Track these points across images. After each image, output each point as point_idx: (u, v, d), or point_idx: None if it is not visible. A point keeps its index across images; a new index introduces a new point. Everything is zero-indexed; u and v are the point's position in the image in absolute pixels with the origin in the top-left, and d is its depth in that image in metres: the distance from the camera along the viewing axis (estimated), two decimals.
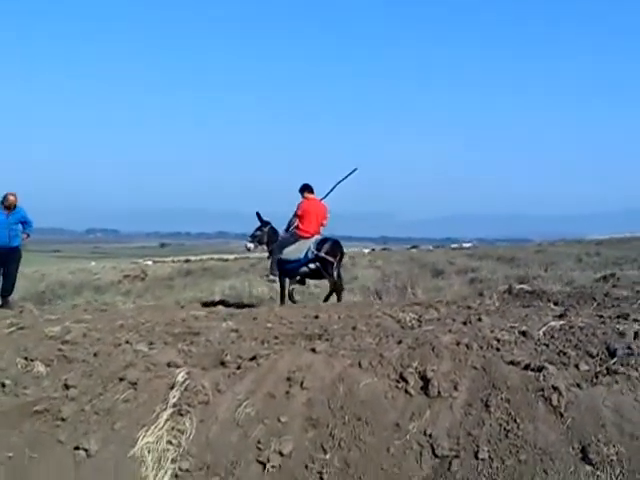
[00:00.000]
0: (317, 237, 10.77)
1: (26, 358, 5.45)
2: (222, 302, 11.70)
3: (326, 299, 10.75)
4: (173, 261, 37.43)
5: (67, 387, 4.93)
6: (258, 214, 11.16)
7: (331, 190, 11.09)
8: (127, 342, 5.82)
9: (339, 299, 10.75)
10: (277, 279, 10.72)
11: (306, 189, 10.93)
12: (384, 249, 61.81)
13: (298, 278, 11.12)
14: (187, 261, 35.23)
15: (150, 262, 36.69)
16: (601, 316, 5.78)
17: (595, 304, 7.07)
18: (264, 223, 11.19)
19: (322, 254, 10.52)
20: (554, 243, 36.27)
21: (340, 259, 11.00)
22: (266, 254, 11.64)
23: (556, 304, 7.44)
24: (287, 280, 10.84)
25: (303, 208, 10.79)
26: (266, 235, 11.13)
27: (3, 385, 5.05)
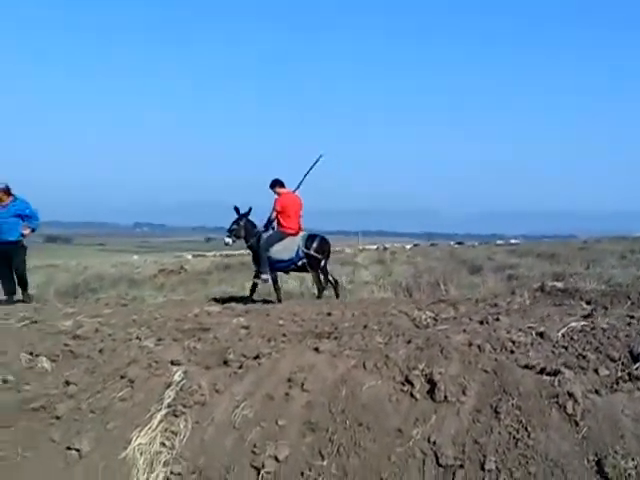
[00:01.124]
0: (303, 234, 10.61)
1: (31, 353, 5.38)
2: (241, 299, 11.50)
3: (319, 296, 10.46)
4: (215, 255, 37.50)
5: (67, 384, 4.82)
6: (236, 208, 10.87)
7: (301, 181, 10.85)
8: (137, 338, 5.70)
9: (337, 294, 10.65)
10: (269, 278, 10.51)
11: (277, 184, 10.69)
12: (432, 244, 61.43)
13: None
14: (227, 256, 35.27)
15: (189, 256, 36.78)
16: (631, 317, 5.43)
17: (629, 303, 6.70)
18: (240, 216, 10.91)
19: (311, 252, 10.39)
20: (600, 240, 35.35)
21: (327, 256, 10.85)
22: (246, 249, 11.40)
23: (588, 303, 7.09)
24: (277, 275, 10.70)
25: (282, 203, 10.55)
26: (243, 229, 10.86)
27: (5, 381, 4.95)
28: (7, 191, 10.40)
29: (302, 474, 3.86)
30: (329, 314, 6.34)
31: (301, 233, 10.59)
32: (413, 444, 3.86)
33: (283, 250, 10.39)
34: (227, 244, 11.09)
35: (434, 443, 3.83)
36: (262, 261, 10.43)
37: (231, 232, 10.91)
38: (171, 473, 4.03)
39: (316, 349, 4.71)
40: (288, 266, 10.60)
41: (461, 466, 3.69)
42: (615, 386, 3.97)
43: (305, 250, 10.35)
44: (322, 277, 10.64)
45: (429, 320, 5.63)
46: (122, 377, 4.76)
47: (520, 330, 4.85)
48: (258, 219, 11.04)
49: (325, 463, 3.87)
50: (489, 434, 3.79)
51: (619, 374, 4.08)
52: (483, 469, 3.63)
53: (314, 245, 10.46)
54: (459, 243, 62.60)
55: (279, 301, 10.25)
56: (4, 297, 10.56)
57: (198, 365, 4.83)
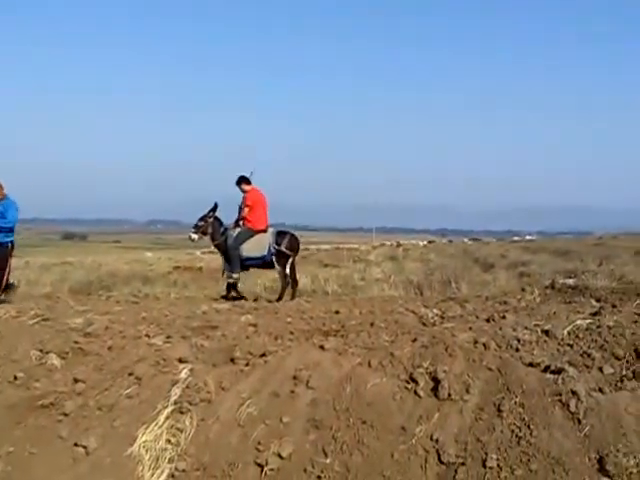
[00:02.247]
0: (273, 230, 10.64)
1: (41, 350, 5.41)
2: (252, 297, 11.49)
3: (280, 297, 10.36)
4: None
5: (76, 381, 4.87)
6: (216, 205, 10.83)
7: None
8: (146, 335, 5.74)
9: (293, 295, 10.51)
10: (238, 276, 10.47)
11: (243, 181, 10.66)
12: (449, 241, 61.38)
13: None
14: None
15: (198, 253, 36.81)
16: (639, 314, 5.43)
17: (638, 301, 6.69)
18: (208, 213, 10.78)
19: (282, 248, 10.41)
20: (615, 236, 35.19)
21: (296, 253, 10.89)
22: (211, 246, 11.32)
23: (598, 300, 7.10)
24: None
25: (253, 199, 10.55)
26: (210, 226, 10.74)
27: (15, 378, 5.01)
28: None
29: (305, 471, 3.88)
30: (337, 312, 6.37)
31: (270, 229, 10.60)
32: (416, 442, 3.87)
33: (254, 247, 10.37)
34: (192, 240, 10.91)
35: (437, 441, 3.84)
36: (233, 259, 10.39)
37: (197, 228, 10.78)
38: (176, 470, 4.06)
39: (321, 347, 4.73)
40: (258, 263, 10.60)
41: (463, 463, 3.71)
42: (619, 384, 3.98)
43: (276, 247, 10.36)
44: (288, 274, 10.60)
45: (436, 318, 5.65)
46: (130, 374, 4.80)
47: (526, 328, 4.86)
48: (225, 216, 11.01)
49: (328, 461, 3.89)
50: (491, 432, 3.80)
51: (623, 372, 4.09)
52: (485, 466, 3.65)
53: (285, 242, 10.49)
54: (474, 239, 62.53)
55: (240, 298, 10.20)
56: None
57: (205, 363, 4.86)
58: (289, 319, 6.07)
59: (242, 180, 10.68)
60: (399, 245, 42.57)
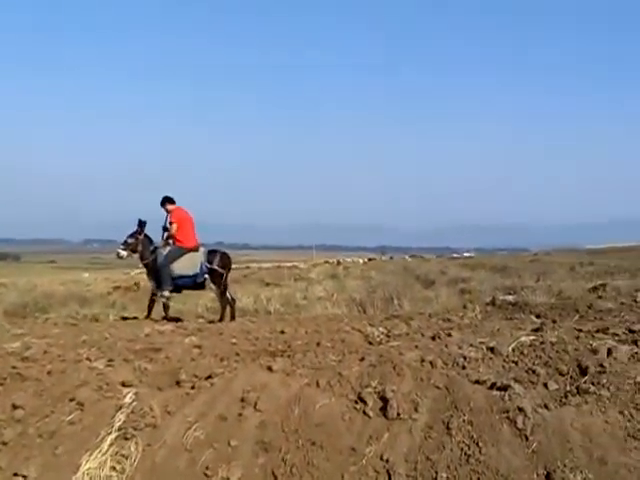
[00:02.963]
0: (203, 249, 10.58)
1: None
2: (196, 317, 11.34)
3: (222, 317, 10.38)
4: None
5: (15, 407, 4.70)
6: (141, 222, 10.61)
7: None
8: (87, 359, 5.60)
9: (233, 314, 10.53)
10: (168, 294, 10.32)
11: (167, 201, 10.59)
12: (390, 257, 61.93)
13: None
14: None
15: (133, 273, 36.13)
16: (580, 330, 5.56)
17: (577, 316, 6.85)
18: (138, 230, 10.57)
19: (215, 266, 10.38)
20: (549, 252, 36.06)
21: (228, 270, 10.84)
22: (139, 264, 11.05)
23: (538, 316, 7.25)
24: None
25: (178, 217, 10.49)
26: (140, 243, 10.54)
27: None
28: None
29: None
30: (282, 332, 6.34)
31: (201, 249, 10.52)
32: (366, 462, 3.87)
33: (186, 265, 10.26)
34: (121, 257, 10.61)
35: (387, 461, 3.84)
36: (164, 277, 10.21)
37: (127, 245, 10.54)
38: None
39: (269, 368, 4.69)
40: (190, 282, 10.44)
41: None
42: (564, 400, 4.05)
43: (208, 265, 10.30)
44: (225, 293, 10.56)
45: (382, 336, 5.67)
46: (71, 400, 4.66)
47: (471, 345, 4.92)
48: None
49: None
50: (441, 450, 3.83)
51: (568, 388, 4.17)
52: None
53: (217, 259, 10.44)
54: (413, 256, 63.28)
55: (175, 320, 10.02)
56: None
57: (149, 386, 4.76)
58: (234, 340, 6.01)
59: (166, 200, 10.58)
60: (339, 263, 42.73)
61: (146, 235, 10.64)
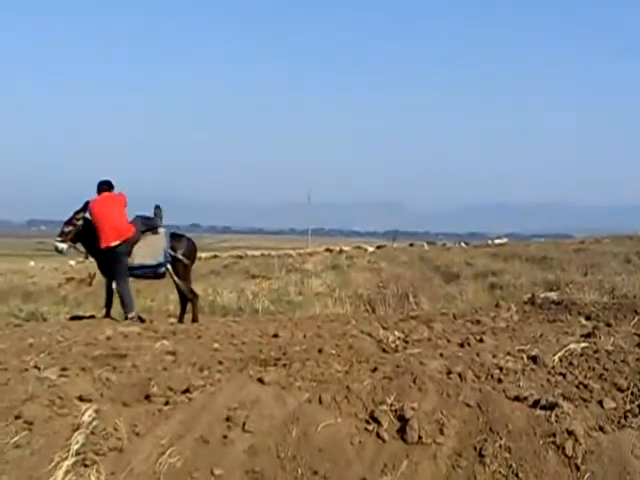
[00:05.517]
0: (166, 231, 10.37)
1: None
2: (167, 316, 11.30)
3: (182, 315, 10.44)
4: None
5: None
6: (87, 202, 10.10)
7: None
8: (35, 367, 5.60)
9: (195, 315, 10.45)
10: (131, 311, 9.95)
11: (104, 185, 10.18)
12: (411, 244, 62.16)
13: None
14: None
15: (86, 262, 36.13)
16: None
17: (636, 319, 6.85)
18: (74, 215, 10.04)
19: (179, 256, 10.26)
20: (599, 240, 36.10)
21: (193, 261, 10.83)
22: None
23: (588, 319, 7.25)
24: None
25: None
26: (78, 230, 10.04)
27: None
28: None
29: None
30: (275, 335, 6.37)
31: (163, 230, 10.33)
32: None
33: (147, 253, 10.02)
34: (61, 251, 10.22)
35: None
36: (124, 295, 9.97)
37: (64, 235, 10.07)
38: None
39: (260, 380, 4.71)
40: (150, 272, 10.29)
41: None
42: (623, 421, 4.06)
43: (172, 253, 10.16)
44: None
45: (398, 342, 5.70)
46: (17, 418, 4.65)
47: (509, 354, 4.94)
48: None
49: None
50: None
51: (627, 406, 4.17)
52: None
53: (182, 248, 10.37)
54: (430, 243, 63.40)
55: (140, 320, 9.84)
56: None
57: (113, 402, 4.78)
58: (216, 345, 6.03)
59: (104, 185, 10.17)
60: (342, 251, 42.78)
61: (86, 218, 10.10)
